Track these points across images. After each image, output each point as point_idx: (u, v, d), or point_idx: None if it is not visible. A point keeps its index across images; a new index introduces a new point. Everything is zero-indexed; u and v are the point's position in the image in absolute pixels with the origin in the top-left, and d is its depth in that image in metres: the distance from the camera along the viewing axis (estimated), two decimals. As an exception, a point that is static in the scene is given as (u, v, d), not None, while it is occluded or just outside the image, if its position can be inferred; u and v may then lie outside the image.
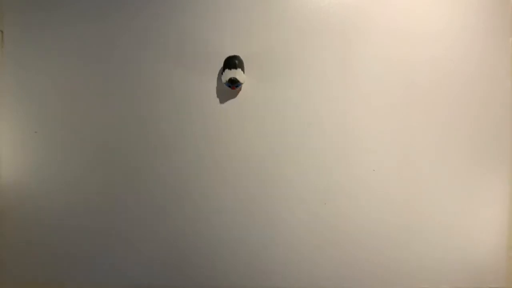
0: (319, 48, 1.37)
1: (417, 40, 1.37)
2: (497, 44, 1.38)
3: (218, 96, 1.35)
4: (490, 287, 1.38)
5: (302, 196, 1.37)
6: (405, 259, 1.37)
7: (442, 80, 1.37)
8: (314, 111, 1.37)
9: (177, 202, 1.38)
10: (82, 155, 1.38)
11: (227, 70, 1.26)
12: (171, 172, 1.38)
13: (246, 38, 1.36)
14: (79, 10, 1.38)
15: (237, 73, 1.25)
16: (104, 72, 1.38)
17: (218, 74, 1.35)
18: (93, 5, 1.38)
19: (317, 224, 1.37)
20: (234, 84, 1.26)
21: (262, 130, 1.36)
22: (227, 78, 1.25)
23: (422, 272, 1.38)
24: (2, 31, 1.38)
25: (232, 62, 1.27)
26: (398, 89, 1.37)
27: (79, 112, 1.38)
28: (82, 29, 1.38)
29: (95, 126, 1.38)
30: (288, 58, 1.36)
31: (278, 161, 1.37)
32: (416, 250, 1.37)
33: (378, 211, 1.37)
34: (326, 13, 1.37)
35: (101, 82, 1.38)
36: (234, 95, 1.36)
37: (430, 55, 1.37)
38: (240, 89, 1.34)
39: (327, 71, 1.37)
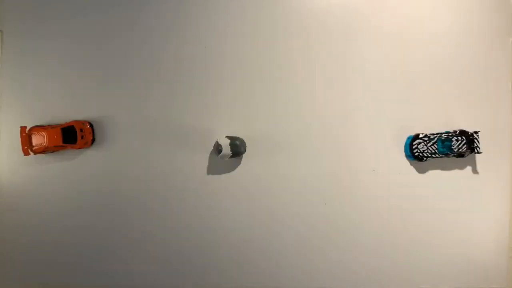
0: (320, 49, 1.37)
1: (417, 40, 1.37)
2: (497, 44, 1.38)
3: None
4: (491, 287, 1.38)
5: (303, 196, 1.37)
6: (406, 259, 1.37)
7: (442, 80, 1.37)
8: (314, 111, 1.37)
9: (178, 203, 1.38)
10: (82, 155, 1.38)
11: (226, 138, 1.29)
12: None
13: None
14: (78, 10, 1.38)
15: (226, 147, 1.27)
16: (103, 71, 1.38)
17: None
18: (93, 6, 1.38)
19: (317, 224, 1.37)
20: (218, 151, 1.29)
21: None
22: (219, 142, 1.28)
23: (423, 272, 1.37)
24: (1, 31, 1.38)
25: (233, 143, 1.30)
26: (399, 89, 1.37)
27: (79, 112, 1.38)
28: (81, 29, 1.38)
29: (95, 126, 1.38)
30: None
31: (278, 157, 1.37)
32: (417, 250, 1.37)
33: (378, 211, 1.37)
34: (327, 17, 1.37)
35: (100, 81, 1.38)
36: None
37: (430, 55, 1.37)
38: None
39: (328, 72, 1.37)
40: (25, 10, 1.39)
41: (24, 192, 1.38)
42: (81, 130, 1.31)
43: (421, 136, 1.29)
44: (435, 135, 1.29)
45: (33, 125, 1.37)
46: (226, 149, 1.26)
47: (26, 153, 1.29)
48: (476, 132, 1.26)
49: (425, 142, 1.27)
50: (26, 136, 1.30)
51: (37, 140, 1.30)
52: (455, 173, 1.37)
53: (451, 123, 1.37)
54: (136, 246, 1.39)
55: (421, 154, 1.28)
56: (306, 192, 1.37)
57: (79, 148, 1.33)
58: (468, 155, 1.30)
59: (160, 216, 1.39)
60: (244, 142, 1.33)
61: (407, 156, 1.32)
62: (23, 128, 1.29)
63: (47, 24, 1.38)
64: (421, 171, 1.37)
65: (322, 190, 1.37)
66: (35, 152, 1.31)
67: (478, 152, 1.27)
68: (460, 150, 1.27)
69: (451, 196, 1.37)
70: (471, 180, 1.38)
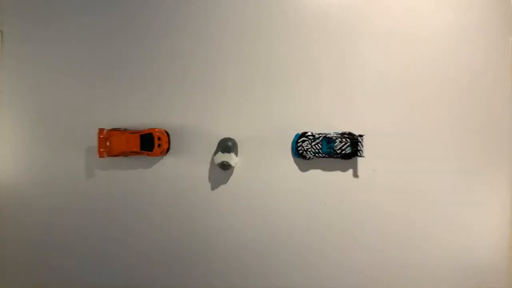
0: (321, 49, 1.37)
1: (417, 40, 1.37)
2: (497, 44, 1.37)
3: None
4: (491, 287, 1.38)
5: (302, 196, 1.37)
6: (405, 259, 1.37)
7: (442, 80, 1.37)
8: (314, 111, 1.37)
9: (177, 203, 1.38)
10: (83, 155, 1.38)
11: (220, 153, 1.27)
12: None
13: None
14: (78, 9, 1.38)
15: (229, 157, 1.26)
16: (104, 71, 1.38)
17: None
18: (93, 5, 1.38)
19: (316, 224, 1.37)
20: (225, 168, 1.28)
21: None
22: (219, 161, 1.27)
23: (423, 272, 1.37)
24: (1, 31, 1.38)
25: (226, 145, 1.29)
26: (398, 89, 1.37)
27: (79, 111, 1.38)
28: (81, 28, 1.38)
29: (96, 125, 1.38)
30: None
31: (278, 157, 1.37)
32: (417, 250, 1.37)
33: (378, 212, 1.37)
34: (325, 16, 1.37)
35: (101, 81, 1.38)
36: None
37: (430, 55, 1.37)
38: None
39: (327, 72, 1.37)
40: (26, 9, 1.39)
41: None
42: (159, 139, 1.29)
43: (307, 134, 1.30)
44: (321, 135, 1.30)
45: (32, 126, 1.38)
46: (227, 158, 1.25)
47: (101, 155, 1.28)
48: (360, 136, 1.28)
49: (310, 141, 1.29)
50: (103, 138, 1.28)
51: (115, 143, 1.29)
52: (455, 174, 1.37)
53: (451, 123, 1.37)
54: (136, 248, 1.38)
55: (304, 152, 1.29)
56: (305, 192, 1.37)
57: (154, 156, 1.32)
58: (352, 157, 1.31)
59: (158, 217, 1.39)
60: (234, 140, 1.34)
61: (293, 154, 1.34)
62: (101, 130, 1.28)
63: (48, 23, 1.38)
64: (421, 172, 1.37)
65: (322, 190, 1.36)
66: (110, 155, 1.30)
67: (360, 156, 1.27)
68: (344, 151, 1.28)
69: (451, 196, 1.37)
70: (471, 181, 1.37)
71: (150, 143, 1.29)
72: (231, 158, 1.27)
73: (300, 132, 1.33)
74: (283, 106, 1.37)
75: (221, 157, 1.26)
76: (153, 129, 1.31)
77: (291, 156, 1.36)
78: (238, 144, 1.35)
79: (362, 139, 1.28)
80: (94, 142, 1.37)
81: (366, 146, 1.35)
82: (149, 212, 1.38)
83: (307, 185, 1.37)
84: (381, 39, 1.37)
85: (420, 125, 1.37)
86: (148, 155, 1.30)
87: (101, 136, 1.28)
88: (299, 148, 1.31)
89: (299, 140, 1.31)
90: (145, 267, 1.38)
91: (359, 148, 1.28)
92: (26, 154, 1.39)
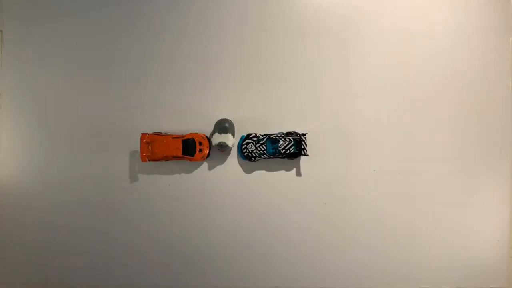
0: (319, 48, 1.37)
1: (417, 40, 1.37)
2: (497, 44, 1.38)
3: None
4: (491, 287, 1.38)
5: (302, 196, 1.37)
6: (405, 259, 1.37)
7: (442, 80, 1.37)
8: (314, 111, 1.37)
9: (178, 202, 1.38)
10: (83, 155, 1.38)
11: (217, 134, 1.28)
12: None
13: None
14: (79, 8, 1.38)
15: (226, 138, 1.27)
16: (104, 70, 1.38)
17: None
18: (94, 4, 1.38)
19: (317, 224, 1.37)
20: (223, 148, 1.29)
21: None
22: (217, 142, 1.28)
23: (423, 272, 1.37)
24: (1, 31, 1.38)
25: (222, 126, 1.29)
26: (398, 89, 1.37)
27: (80, 111, 1.38)
28: (82, 28, 1.38)
29: (96, 125, 1.38)
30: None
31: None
32: (417, 250, 1.37)
33: (378, 211, 1.37)
34: (325, 13, 1.38)
35: (101, 80, 1.38)
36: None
37: (430, 55, 1.37)
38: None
39: (327, 72, 1.37)
40: (26, 9, 1.39)
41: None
42: (200, 144, 1.29)
43: (251, 136, 1.31)
44: (265, 136, 1.30)
45: (31, 127, 1.38)
46: (224, 138, 1.26)
47: (144, 160, 1.27)
48: (303, 134, 1.29)
49: (254, 142, 1.29)
50: (145, 143, 1.28)
51: (158, 148, 1.28)
52: (455, 173, 1.37)
53: (451, 122, 1.37)
54: (136, 245, 1.38)
55: (250, 154, 1.30)
56: (305, 191, 1.37)
57: (195, 161, 1.32)
58: (297, 156, 1.32)
59: (158, 217, 1.38)
60: (231, 121, 1.33)
61: (239, 156, 1.35)
62: (143, 135, 1.28)
63: (48, 23, 1.38)
64: (421, 171, 1.36)
65: (322, 190, 1.37)
66: (151, 160, 1.30)
67: (304, 154, 1.28)
68: (288, 151, 1.28)
69: (451, 196, 1.37)
70: (471, 180, 1.37)
71: (189, 147, 1.28)
72: (228, 139, 1.28)
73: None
74: (284, 106, 1.37)
75: (218, 138, 1.27)
76: (194, 133, 1.31)
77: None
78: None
79: (305, 137, 1.29)
80: (95, 142, 1.38)
81: (367, 145, 1.36)
82: (149, 212, 1.38)
83: (307, 185, 1.37)
84: (382, 39, 1.37)
85: (419, 125, 1.37)
86: (190, 160, 1.30)
87: (143, 141, 1.27)
88: (244, 151, 1.31)
89: (244, 143, 1.31)
90: (146, 267, 1.38)
91: (303, 147, 1.28)
92: (24, 154, 1.39)
